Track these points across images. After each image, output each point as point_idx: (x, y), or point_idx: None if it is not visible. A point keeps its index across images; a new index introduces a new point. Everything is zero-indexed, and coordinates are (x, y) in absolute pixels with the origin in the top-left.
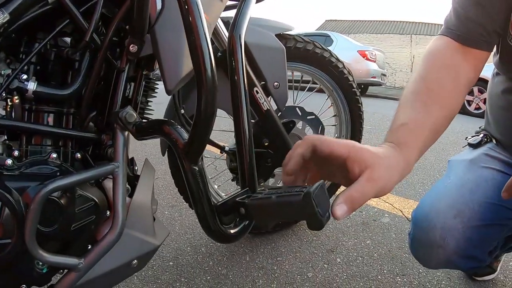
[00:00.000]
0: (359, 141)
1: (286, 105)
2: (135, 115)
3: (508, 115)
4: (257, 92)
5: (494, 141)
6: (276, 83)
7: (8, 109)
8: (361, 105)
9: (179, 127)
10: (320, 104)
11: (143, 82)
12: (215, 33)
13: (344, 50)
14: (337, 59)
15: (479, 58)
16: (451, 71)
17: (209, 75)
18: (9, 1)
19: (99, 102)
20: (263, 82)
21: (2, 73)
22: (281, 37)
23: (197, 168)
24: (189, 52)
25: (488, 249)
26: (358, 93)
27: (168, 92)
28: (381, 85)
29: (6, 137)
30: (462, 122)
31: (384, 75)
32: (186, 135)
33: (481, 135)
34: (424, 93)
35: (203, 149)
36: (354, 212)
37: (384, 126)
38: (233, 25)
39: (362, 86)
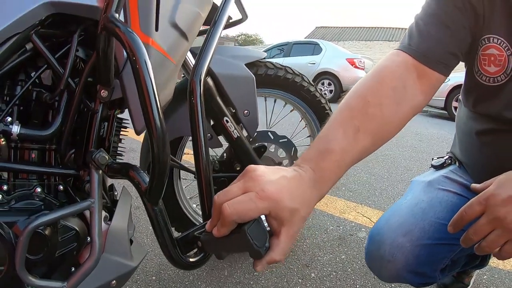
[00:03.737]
0: None
1: (258, 129)
2: (106, 157)
3: (470, 141)
4: (227, 121)
5: (457, 163)
6: (246, 111)
7: None
8: None
9: (142, 172)
10: (296, 122)
11: (115, 123)
12: (185, 66)
13: (333, 58)
14: (309, 83)
15: (433, 81)
16: (398, 94)
17: (159, 129)
18: None
19: (77, 140)
20: (234, 111)
21: None
22: (253, 64)
23: (157, 208)
24: (140, 107)
25: (438, 267)
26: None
27: (137, 132)
28: None
29: None
30: (448, 130)
31: None
32: (147, 179)
33: (446, 157)
34: (361, 118)
35: (162, 193)
36: (331, 227)
37: None
38: (193, 70)
39: None
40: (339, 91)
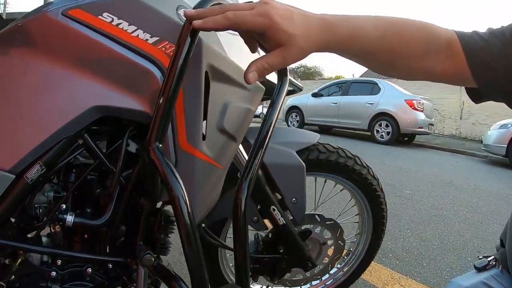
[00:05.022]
0: (381, 238)
1: (306, 212)
2: (153, 259)
3: None
4: (273, 209)
5: (500, 267)
6: (294, 199)
7: (52, 234)
8: (385, 206)
9: (183, 282)
10: (345, 199)
11: (163, 221)
12: (236, 162)
13: (391, 98)
14: (361, 165)
15: (459, 68)
16: (429, 47)
17: (195, 251)
18: (45, 154)
19: (126, 230)
20: (281, 197)
21: (47, 195)
22: (305, 149)
23: None
24: (178, 231)
25: None
26: (382, 196)
27: None
28: (428, 134)
29: None
30: (508, 183)
31: (432, 124)
32: None
33: (491, 257)
34: (398, 37)
35: None
36: None
37: (426, 190)
38: (239, 185)
39: (410, 135)
40: (397, 134)
